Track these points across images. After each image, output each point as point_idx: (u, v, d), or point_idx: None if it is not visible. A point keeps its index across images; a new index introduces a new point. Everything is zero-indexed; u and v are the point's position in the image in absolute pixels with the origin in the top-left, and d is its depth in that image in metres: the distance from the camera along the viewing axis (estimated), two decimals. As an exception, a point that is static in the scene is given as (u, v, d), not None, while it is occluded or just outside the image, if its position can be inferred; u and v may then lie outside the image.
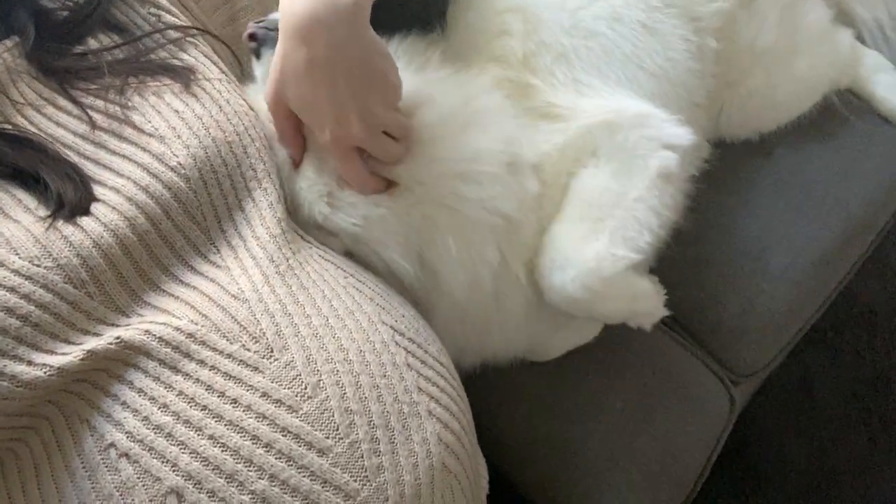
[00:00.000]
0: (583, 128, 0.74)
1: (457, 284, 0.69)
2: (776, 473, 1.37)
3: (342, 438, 0.52)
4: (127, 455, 0.50)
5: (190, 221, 0.60)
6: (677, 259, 0.87)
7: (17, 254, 0.52)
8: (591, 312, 0.77)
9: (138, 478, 0.50)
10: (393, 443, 0.54)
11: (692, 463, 0.89)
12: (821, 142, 1.01)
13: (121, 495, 0.50)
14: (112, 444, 0.51)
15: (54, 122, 0.61)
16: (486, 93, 0.75)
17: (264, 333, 0.55)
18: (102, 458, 0.51)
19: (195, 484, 0.49)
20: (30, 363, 0.50)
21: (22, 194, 0.56)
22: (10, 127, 0.60)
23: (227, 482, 0.50)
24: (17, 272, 0.51)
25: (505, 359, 0.83)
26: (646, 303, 0.78)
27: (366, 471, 0.52)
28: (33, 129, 0.60)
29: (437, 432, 0.57)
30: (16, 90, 0.62)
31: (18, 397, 0.50)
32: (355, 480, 0.52)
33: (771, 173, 1.00)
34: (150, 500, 0.49)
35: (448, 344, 0.67)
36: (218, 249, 0.61)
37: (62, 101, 0.62)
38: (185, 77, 0.64)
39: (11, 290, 0.51)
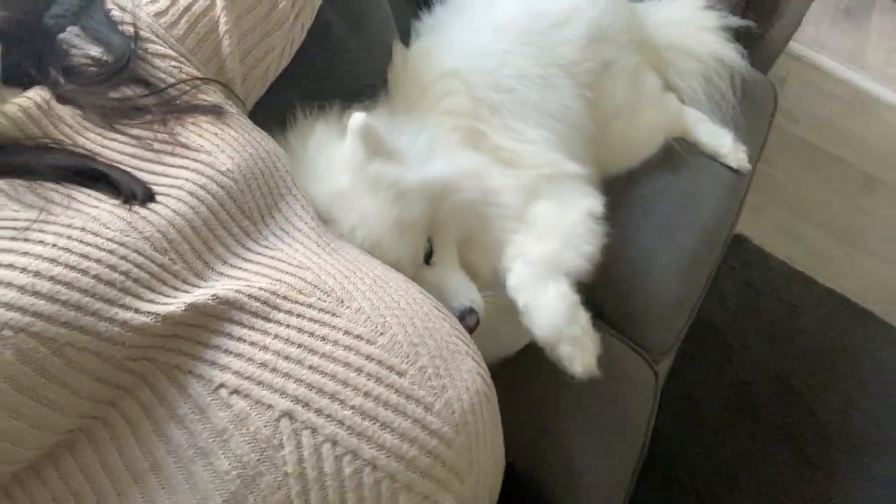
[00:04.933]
0: (535, 178, 0.96)
1: None
2: (685, 474, 1.56)
3: (413, 363, 0.62)
4: (237, 391, 0.56)
5: (242, 215, 0.68)
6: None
7: (107, 227, 0.57)
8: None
9: (251, 409, 0.56)
10: (448, 369, 0.65)
11: (639, 426, 1.05)
12: (670, 173, 1.32)
13: (235, 427, 0.55)
14: (222, 385, 0.57)
15: (108, 148, 0.66)
16: (446, 132, 0.95)
17: (332, 289, 0.65)
18: (212, 399, 0.56)
19: (304, 405, 0.57)
20: (137, 311, 0.55)
21: (95, 193, 0.62)
22: (75, 147, 0.65)
23: (331, 401, 0.58)
24: (111, 240, 0.57)
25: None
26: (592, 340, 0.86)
27: (435, 389, 0.62)
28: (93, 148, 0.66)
29: (474, 368, 0.68)
30: (64, 124, 0.67)
31: (128, 342, 0.54)
32: (429, 395, 0.62)
33: (640, 198, 1.27)
34: (265, 426, 0.55)
35: None
36: (267, 238, 0.70)
37: (111, 133, 0.68)
38: (215, 111, 0.74)
39: (110, 252, 0.56)
